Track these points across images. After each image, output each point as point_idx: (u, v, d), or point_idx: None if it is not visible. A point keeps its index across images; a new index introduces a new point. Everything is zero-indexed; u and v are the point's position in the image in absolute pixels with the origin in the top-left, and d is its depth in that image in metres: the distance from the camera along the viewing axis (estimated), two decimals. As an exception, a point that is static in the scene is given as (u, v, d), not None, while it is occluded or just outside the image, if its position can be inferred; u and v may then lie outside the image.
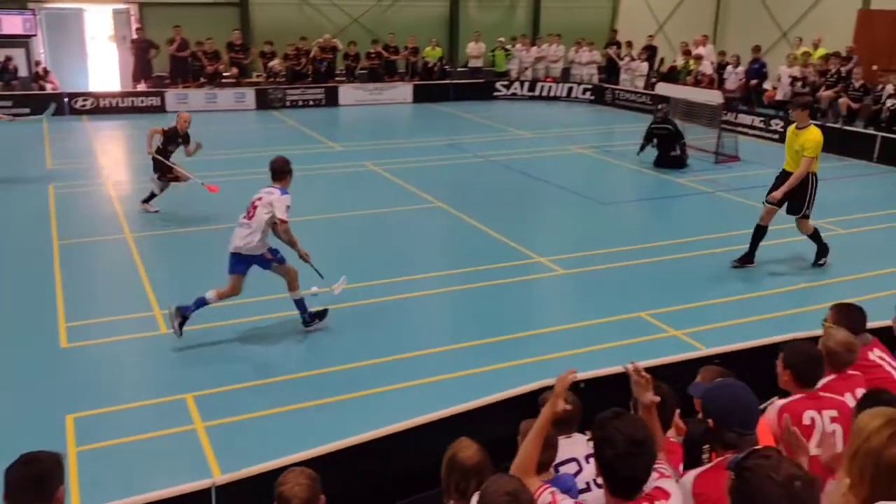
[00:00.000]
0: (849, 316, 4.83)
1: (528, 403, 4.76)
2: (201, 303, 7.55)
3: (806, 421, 3.86)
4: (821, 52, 18.87)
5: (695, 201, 13.26)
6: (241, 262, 7.54)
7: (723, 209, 12.83)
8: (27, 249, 10.22)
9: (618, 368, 5.20)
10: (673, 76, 21.44)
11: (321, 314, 8.03)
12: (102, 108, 20.54)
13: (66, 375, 7.01)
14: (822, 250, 9.95)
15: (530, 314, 8.67)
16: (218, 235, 10.83)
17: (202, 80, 21.86)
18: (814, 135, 9.26)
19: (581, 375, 5.15)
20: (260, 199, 7.53)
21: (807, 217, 9.69)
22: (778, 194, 9.49)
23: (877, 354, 4.77)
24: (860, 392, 4.27)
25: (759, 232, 9.80)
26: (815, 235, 9.90)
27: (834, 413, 3.97)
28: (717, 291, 9.10)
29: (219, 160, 15.38)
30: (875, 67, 17.76)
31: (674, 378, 5.16)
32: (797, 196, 9.49)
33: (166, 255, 10.29)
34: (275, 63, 22.35)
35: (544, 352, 7.44)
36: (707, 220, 12.29)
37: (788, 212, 9.69)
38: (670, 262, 10.10)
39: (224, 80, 22.25)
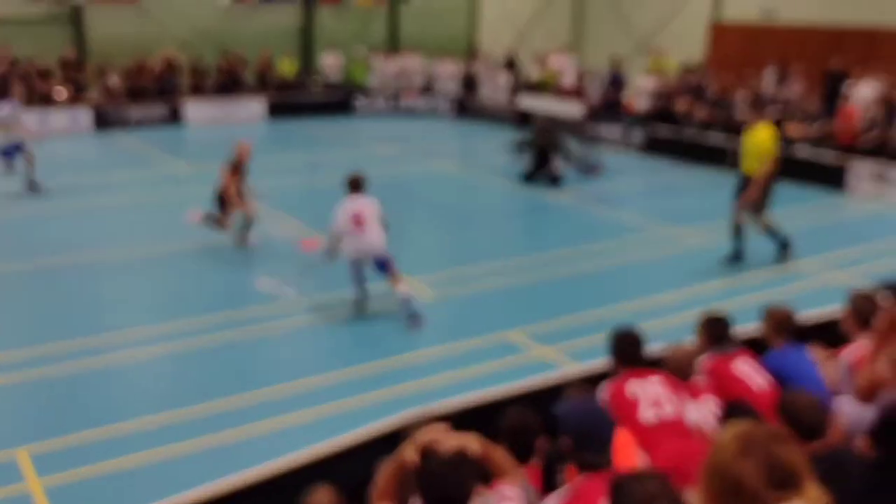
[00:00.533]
0: (712, 326, 4.95)
1: (392, 440, 4.18)
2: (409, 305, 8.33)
3: (629, 396, 4.20)
4: (672, 63, 19.32)
5: (562, 213, 12.97)
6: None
7: (589, 220, 12.59)
8: None
9: (484, 395, 4.84)
10: (537, 88, 21.42)
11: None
12: None
13: None
14: (785, 244, 10.27)
15: (397, 339, 7.99)
16: (44, 272, 9.55)
17: (33, 101, 19.73)
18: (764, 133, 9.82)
19: (449, 403, 4.73)
20: (363, 210, 8.33)
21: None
22: (753, 195, 9.79)
23: (739, 366, 4.68)
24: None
25: (740, 230, 10.09)
26: (772, 230, 10.21)
27: (656, 378, 4.31)
28: (587, 304, 8.74)
29: (51, 186, 13.75)
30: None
31: (543, 399, 4.73)
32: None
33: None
34: (113, 80, 20.58)
35: (411, 378, 6.98)
36: (574, 231, 11.98)
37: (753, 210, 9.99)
38: (541, 277, 9.73)
39: (57, 101, 20.25)
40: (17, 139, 13.25)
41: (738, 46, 20.04)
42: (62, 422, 6.24)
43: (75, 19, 21.51)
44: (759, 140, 9.75)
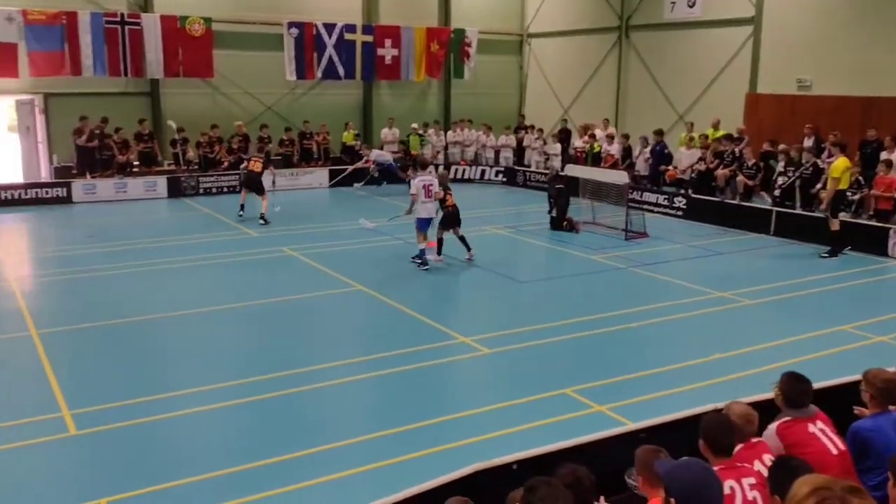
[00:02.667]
0: (793, 387, 4.92)
1: (461, 490, 4.70)
2: (422, 254, 13.53)
3: (726, 490, 3.95)
4: (720, 132, 20.09)
5: (608, 277, 13.66)
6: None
7: (635, 284, 13.24)
8: (-80, 351, 9.59)
9: (547, 448, 5.25)
10: (583, 158, 22.38)
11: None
12: (4, 200, 19.79)
13: (-35, 487, 6.51)
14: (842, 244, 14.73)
15: (456, 396, 8.63)
16: (129, 328, 10.54)
17: (111, 170, 21.39)
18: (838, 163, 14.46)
19: (513, 457, 5.18)
20: (432, 184, 13.52)
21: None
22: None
23: (818, 427, 4.78)
24: (767, 458, 4.45)
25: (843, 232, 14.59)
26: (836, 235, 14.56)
27: (752, 480, 4.12)
28: (637, 365, 9.28)
29: (128, 251, 14.99)
30: (765, 146, 19.00)
31: (601, 454, 5.26)
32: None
33: (75, 352, 9.80)
34: (188, 151, 22.17)
35: (472, 434, 7.39)
36: (621, 294, 12.65)
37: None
38: (590, 337, 10.31)
39: (134, 170, 21.88)
40: None
41: (773, 115, 20.75)
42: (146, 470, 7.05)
43: (153, 94, 23.30)
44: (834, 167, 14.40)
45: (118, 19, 21.67)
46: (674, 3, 23.83)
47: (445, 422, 7.76)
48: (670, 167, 20.23)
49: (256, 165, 18.20)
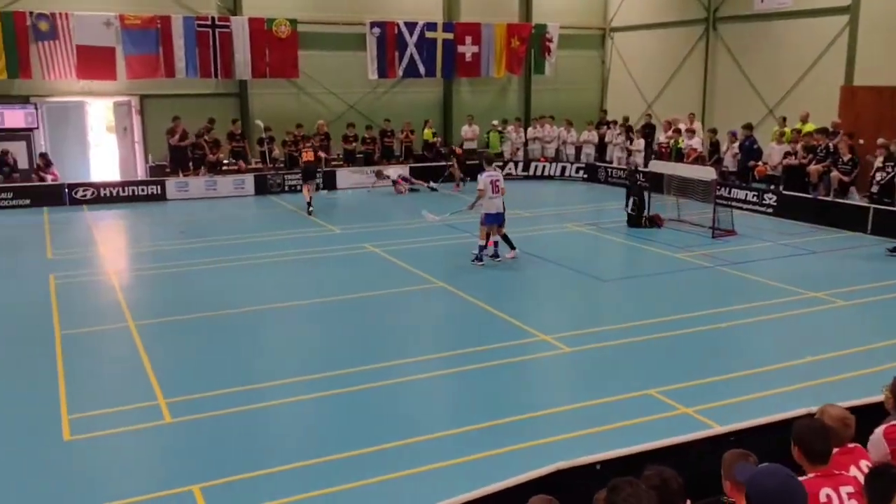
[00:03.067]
0: None
1: (543, 488, 4.65)
2: (481, 249, 13.52)
3: (822, 499, 3.83)
4: (809, 126, 19.33)
5: (694, 276, 13.34)
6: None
7: (722, 283, 12.89)
8: (29, 340, 10.17)
9: (631, 449, 5.17)
10: (667, 154, 21.92)
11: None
12: (103, 197, 20.77)
13: (69, 469, 6.88)
14: None
15: (536, 394, 8.59)
16: (220, 321, 10.92)
17: (203, 168, 22.16)
18: None
19: (596, 457, 5.12)
20: (499, 179, 13.60)
21: None
22: None
23: None
24: (864, 464, 4.29)
25: None
26: None
27: (850, 489, 3.95)
28: (725, 367, 9.04)
29: (218, 246, 15.51)
30: (861, 141, 18.17)
31: (690, 457, 5.15)
32: None
33: (169, 342, 10.22)
34: (274, 150, 22.77)
35: (553, 433, 7.36)
36: (708, 294, 12.33)
37: None
38: (675, 337, 10.09)
39: (225, 168, 22.61)
40: None
41: (871, 108, 19.79)
42: (236, 460, 7.29)
43: (241, 95, 24.01)
44: None
45: (209, 23, 22.42)
46: (764, -8, 23.04)
47: (526, 420, 7.74)
48: (760, 163, 19.59)
49: (308, 156, 19.23)
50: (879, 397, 5.34)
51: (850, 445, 4.48)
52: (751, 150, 19.74)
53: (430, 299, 12.04)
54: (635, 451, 5.18)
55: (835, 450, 4.31)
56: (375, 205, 21.02)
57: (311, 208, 18.85)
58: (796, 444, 4.16)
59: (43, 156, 21.45)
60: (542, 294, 12.73)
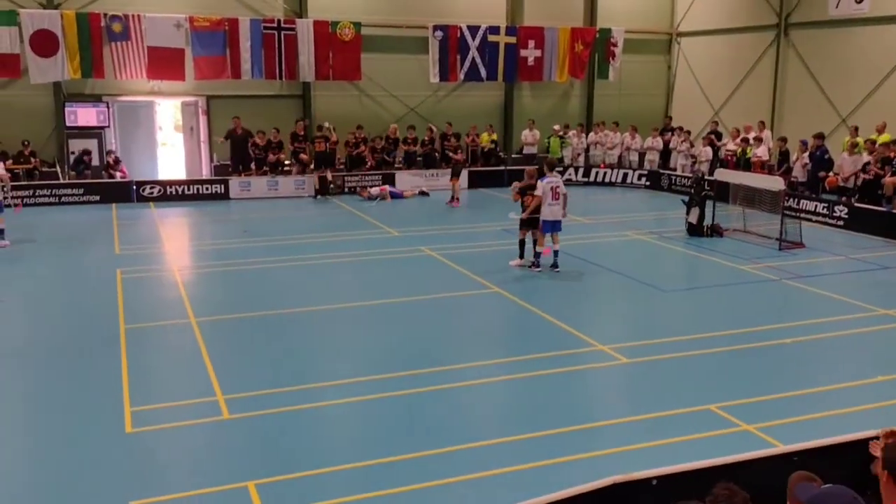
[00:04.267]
0: None
1: (599, 501, 4.59)
2: (538, 255, 13.44)
3: None
4: (885, 137, 18.62)
5: (759, 288, 12.96)
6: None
7: (789, 297, 12.50)
8: (95, 333, 10.45)
9: (689, 465, 5.02)
10: (734, 162, 21.42)
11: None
12: (169, 195, 21.31)
13: (130, 461, 7.03)
14: None
15: (593, 405, 8.47)
16: (279, 320, 11.05)
17: (264, 168, 22.53)
18: None
19: (653, 472, 4.98)
20: (559, 185, 13.27)
21: None
22: None
23: None
24: None
25: None
26: None
27: None
28: (789, 384, 8.76)
29: (278, 246, 15.73)
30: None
31: (752, 477, 4.96)
32: None
33: (229, 340, 10.39)
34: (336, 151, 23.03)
35: (609, 445, 7.24)
36: (773, 308, 11.96)
37: None
38: (737, 352, 9.82)
39: (286, 169, 22.95)
40: None
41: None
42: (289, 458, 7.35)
43: (305, 97, 24.35)
44: None
45: (275, 25, 22.80)
46: (840, -2, 22.33)
47: (582, 430, 7.63)
48: (831, 173, 18.97)
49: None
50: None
51: None
52: (821, 160, 19.13)
53: (485, 304, 11.98)
54: (693, 468, 5.03)
55: None
56: (433, 208, 21.04)
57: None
58: (888, 468, 3.88)
59: (110, 153, 22.13)
60: (601, 303, 12.54)
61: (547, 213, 13.27)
